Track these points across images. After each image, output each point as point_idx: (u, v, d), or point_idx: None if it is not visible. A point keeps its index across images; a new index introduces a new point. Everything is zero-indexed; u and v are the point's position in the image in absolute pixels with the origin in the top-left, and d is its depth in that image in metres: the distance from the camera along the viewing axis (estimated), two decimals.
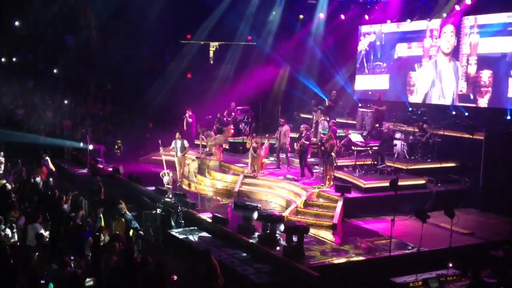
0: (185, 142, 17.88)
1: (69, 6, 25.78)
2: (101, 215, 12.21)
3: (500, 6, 17.74)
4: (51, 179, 16.21)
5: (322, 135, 17.93)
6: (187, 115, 21.45)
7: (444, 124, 17.85)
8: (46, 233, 10.95)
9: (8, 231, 11.07)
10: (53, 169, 17.64)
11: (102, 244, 10.26)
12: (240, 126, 21.91)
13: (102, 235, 10.75)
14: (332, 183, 15.51)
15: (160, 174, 17.39)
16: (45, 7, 24.67)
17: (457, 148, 17.07)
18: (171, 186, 16.75)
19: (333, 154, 15.60)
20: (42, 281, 8.20)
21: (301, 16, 24.55)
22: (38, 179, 15.86)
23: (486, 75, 18.38)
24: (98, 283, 9.00)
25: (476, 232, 13.47)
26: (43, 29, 26.86)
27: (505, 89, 17.69)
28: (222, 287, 9.57)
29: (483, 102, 18.58)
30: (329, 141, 15.70)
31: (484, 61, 18.47)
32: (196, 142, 20.35)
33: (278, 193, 16.23)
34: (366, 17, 22.65)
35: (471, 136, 16.37)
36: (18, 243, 10.32)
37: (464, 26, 19.04)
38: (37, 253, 9.46)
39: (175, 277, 9.00)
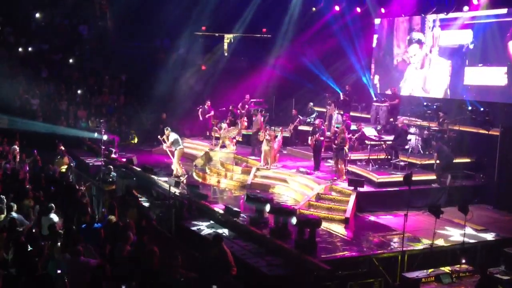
0: (171, 136, 17.23)
1: None
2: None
3: None
4: (68, 170, 16.37)
5: (336, 129, 17.88)
6: (206, 106, 21.43)
7: (460, 119, 17.70)
8: (60, 222, 11.05)
9: (22, 218, 11.17)
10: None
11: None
12: (254, 118, 21.87)
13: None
14: (344, 177, 15.47)
15: (172, 166, 17.47)
16: None
17: (472, 143, 16.93)
18: (182, 177, 16.82)
19: (345, 148, 15.54)
20: (58, 271, 8.25)
21: (314, 9, 24.43)
22: (63, 168, 16.09)
23: None
24: (111, 272, 9.04)
25: (489, 228, 13.37)
26: (59, 19, 27.03)
27: None
28: (234, 277, 9.58)
29: None
30: (340, 135, 15.65)
31: None
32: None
33: (291, 186, 16.23)
34: (382, 10, 22.45)
35: (486, 132, 16.21)
36: (33, 230, 10.42)
37: None
38: (49, 242, 9.54)
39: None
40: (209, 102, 21.60)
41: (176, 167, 17.20)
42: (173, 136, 17.15)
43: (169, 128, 17.48)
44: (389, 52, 22.51)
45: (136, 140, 22.76)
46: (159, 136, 17.99)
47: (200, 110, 21.51)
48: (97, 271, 7.80)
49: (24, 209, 11.87)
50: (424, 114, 18.93)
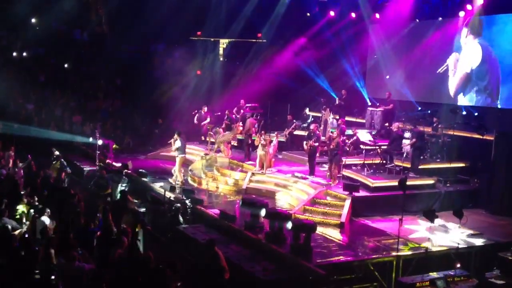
0: (177, 141, 17.02)
1: (81, 1, 25.87)
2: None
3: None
4: (63, 175, 16.33)
5: (331, 134, 17.91)
6: (202, 111, 21.41)
7: (454, 124, 17.77)
8: (53, 226, 11.01)
9: (14, 223, 11.13)
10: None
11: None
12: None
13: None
14: (337, 181, 15.50)
15: (172, 170, 17.37)
16: (57, 2, 24.76)
17: (467, 148, 16.99)
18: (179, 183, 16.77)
19: (339, 152, 15.57)
20: (52, 276, 8.21)
21: (308, 14, 24.52)
22: (54, 174, 16.04)
23: None
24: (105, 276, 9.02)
25: (484, 233, 13.39)
26: (55, 24, 27.00)
27: None
28: (228, 282, 9.58)
29: None
30: (335, 140, 15.67)
31: None
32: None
33: (286, 191, 16.22)
34: (377, 15, 22.52)
35: (481, 137, 16.28)
36: (27, 235, 10.37)
37: None
38: (43, 247, 9.50)
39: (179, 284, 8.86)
40: (206, 107, 21.59)
41: (176, 174, 17.08)
42: (178, 142, 17.00)
43: (179, 133, 17.31)
44: (385, 56, 22.54)
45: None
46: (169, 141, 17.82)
47: (197, 115, 21.45)
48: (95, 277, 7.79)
49: (18, 214, 11.82)
50: (419, 119, 18.99)
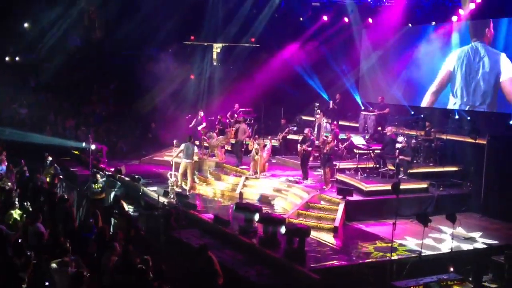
0: (196, 147, 17.07)
1: (74, 6, 25.82)
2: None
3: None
4: (56, 179, 16.25)
5: (325, 138, 17.92)
6: (198, 116, 21.34)
7: (447, 128, 17.84)
8: (47, 231, 10.95)
9: (6, 229, 11.04)
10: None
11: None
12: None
13: None
14: (331, 185, 15.51)
15: (168, 174, 17.30)
16: (50, 7, 24.70)
17: (460, 152, 17.06)
18: (175, 187, 16.68)
19: (332, 157, 15.60)
20: (46, 283, 8.16)
21: (301, 19, 24.60)
22: (47, 179, 15.96)
23: None
24: (99, 282, 8.99)
25: (477, 236, 13.43)
26: (48, 28, 26.92)
27: None
28: (222, 286, 9.55)
29: None
30: (329, 144, 15.70)
31: None
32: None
33: (280, 195, 16.22)
34: (370, 20, 22.59)
35: (473, 141, 16.37)
36: (19, 240, 10.29)
37: None
38: (36, 252, 9.44)
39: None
40: (202, 112, 21.54)
41: (179, 178, 16.90)
42: (182, 146, 16.81)
43: (190, 137, 17.14)
44: (377, 60, 22.61)
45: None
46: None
47: (194, 120, 21.36)
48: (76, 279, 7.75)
49: (10, 219, 11.75)
50: (412, 123, 19.07)
